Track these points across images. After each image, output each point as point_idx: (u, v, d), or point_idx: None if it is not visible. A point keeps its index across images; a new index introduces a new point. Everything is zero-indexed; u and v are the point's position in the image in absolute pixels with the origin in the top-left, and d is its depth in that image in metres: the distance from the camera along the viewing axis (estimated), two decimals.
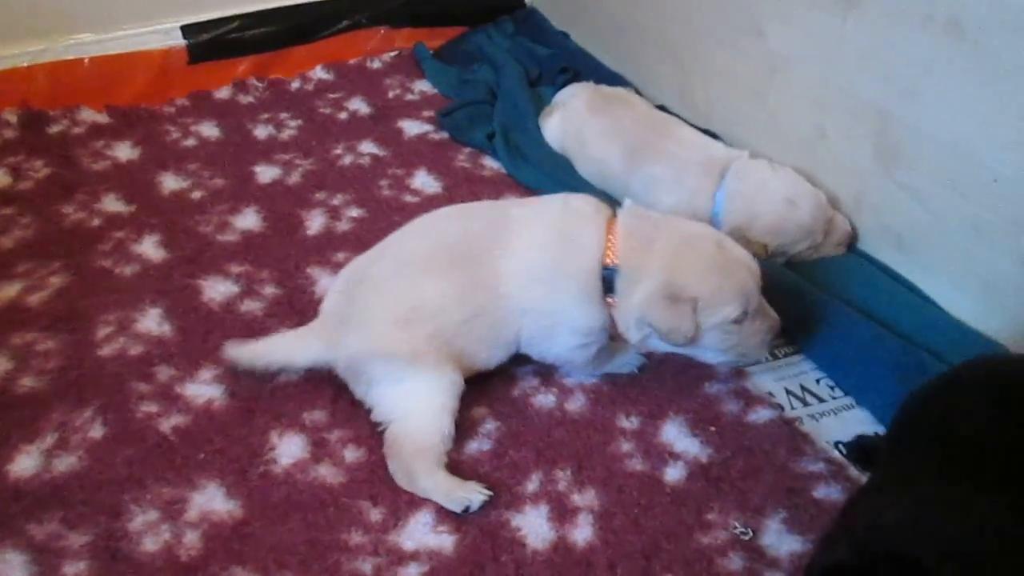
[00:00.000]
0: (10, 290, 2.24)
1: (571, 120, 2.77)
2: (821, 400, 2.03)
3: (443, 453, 1.78)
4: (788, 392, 2.04)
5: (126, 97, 3.14)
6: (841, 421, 1.97)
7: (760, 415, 1.94)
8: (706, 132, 2.70)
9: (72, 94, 3.06)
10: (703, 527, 1.69)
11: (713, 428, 1.90)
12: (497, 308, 1.87)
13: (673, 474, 1.80)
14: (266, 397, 1.96)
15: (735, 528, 1.69)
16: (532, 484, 1.77)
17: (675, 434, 1.89)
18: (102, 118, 3.00)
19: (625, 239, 1.82)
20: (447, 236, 1.95)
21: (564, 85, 3.04)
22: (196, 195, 2.64)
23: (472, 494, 1.71)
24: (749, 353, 1.90)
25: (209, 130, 2.97)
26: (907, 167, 2.22)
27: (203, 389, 1.98)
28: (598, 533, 1.68)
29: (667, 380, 2.02)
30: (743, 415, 1.94)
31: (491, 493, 1.73)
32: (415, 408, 1.81)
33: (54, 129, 2.92)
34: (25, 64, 3.03)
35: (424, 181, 2.72)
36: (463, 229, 1.95)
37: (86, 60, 3.10)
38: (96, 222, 2.51)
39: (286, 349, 1.96)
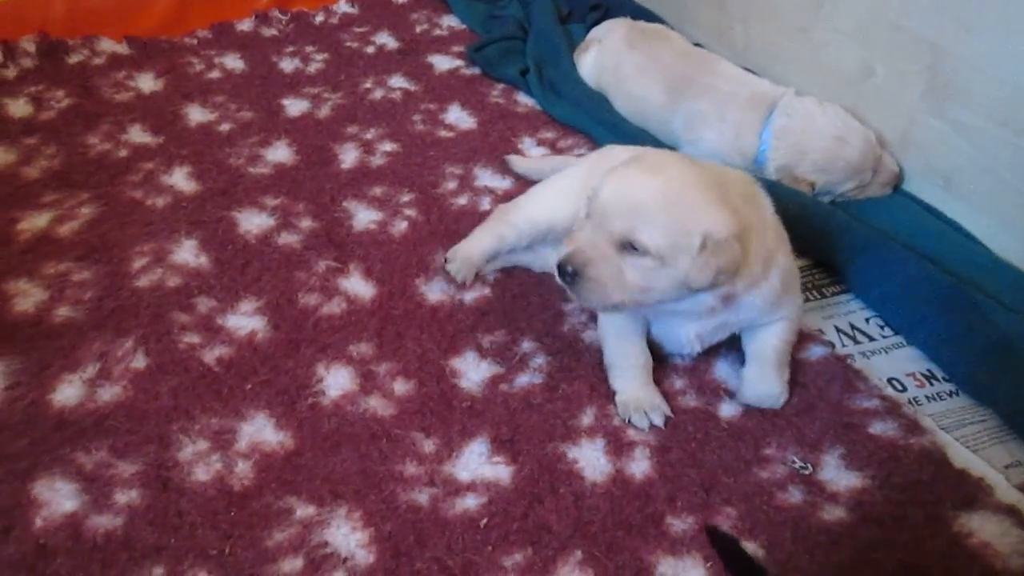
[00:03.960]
0: (39, 220, 2.19)
1: (608, 55, 2.70)
2: (871, 338, 2.00)
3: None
4: (838, 330, 2.02)
5: (143, 28, 3.05)
6: (892, 359, 1.95)
7: (812, 352, 1.91)
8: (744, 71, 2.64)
9: (89, 23, 2.98)
10: (761, 462, 1.67)
11: None
12: None
13: (728, 410, 1.78)
14: (309, 329, 1.92)
15: (794, 463, 1.67)
16: (587, 418, 1.75)
17: (727, 371, 1.86)
18: (122, 49, 2.92)
19: None
20: None
21: (595, 22, 2.98)
22: (224, 127, 2.57)
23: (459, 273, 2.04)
24: None
25: (233, 63, 2.89)
26: (959, 104, 2.17)
27: (245, 321, 1.94)
28: (656, 467, 1.66)
29: None
30: (795, 352, 1.90)
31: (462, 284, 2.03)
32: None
33: (73, 59, 2.84)
34: None
35: (458, 116, 2.66)
36: None
37: None
38: (123, 153, 2.45)
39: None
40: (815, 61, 2.55)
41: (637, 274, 1.56)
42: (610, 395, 1.79)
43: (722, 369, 1.87)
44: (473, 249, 2.06)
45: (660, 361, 1.84)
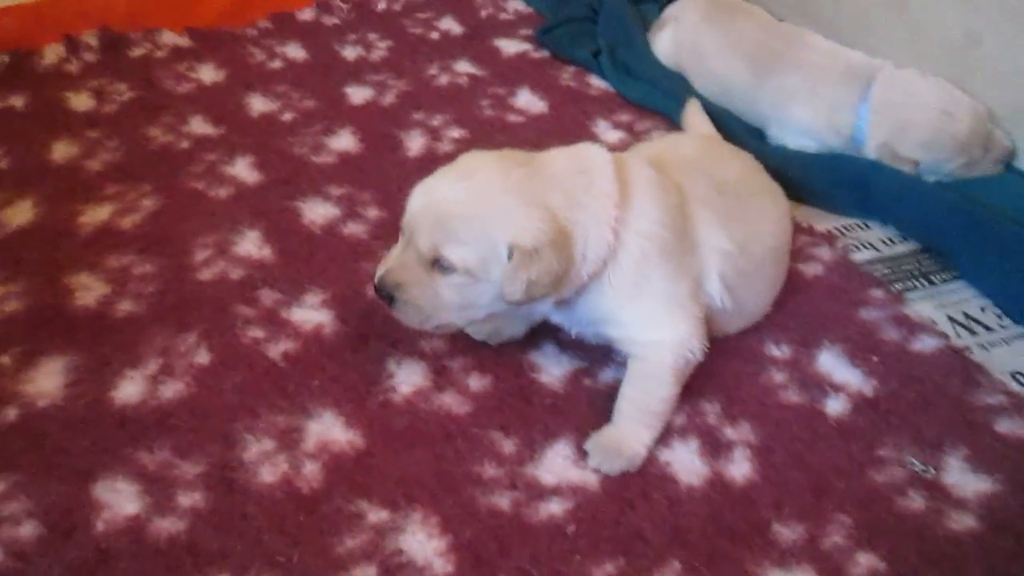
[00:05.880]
0: (101, 212, 2.12)
1: (686, 33, 2.56)
2: (989, 329, 1.82)
3: None
4: (951, 320, 1.84)
5: (204, 19, 2.99)
6: (1015, 351, 1.78)
7: (925, 344, 1.74)
8: None
9: (150, 15, 2.94)
10: (876, 464, 1.52)
11: (875, 358, 1.71)
12: None
13: (835, 407, 1.62)
14: (378, 323, 1.81)
15: (913, 465, 1.51)
16: (679, 417, 1.61)
17: (832, 364, 1.70)
18: (183, 40, 2.86)
19: None
20: None
21: (668, 1, 2.82)
22: (286, 117, 2.49)
23: None
24: None
25: (295, 52, 2.82)
26: None
27: (311, 314, 1.84)
28: (758, 469, 1.51)
29: (816, 305, 1.82)
30: (906, 344, 1.74)
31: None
32: None
33: (135, 52, 2.78)
34: None
35: (528, 100, 2.54)
36: None
37: None
38: (184, 144, 2.38)
39: None
40: (913, 32, 2.37)
41: (453, 292, 1.46)
42: (702, 391, 1.65)
43: (827, 361, 1.71)
44: None
45: (736, 348, 1.71)
